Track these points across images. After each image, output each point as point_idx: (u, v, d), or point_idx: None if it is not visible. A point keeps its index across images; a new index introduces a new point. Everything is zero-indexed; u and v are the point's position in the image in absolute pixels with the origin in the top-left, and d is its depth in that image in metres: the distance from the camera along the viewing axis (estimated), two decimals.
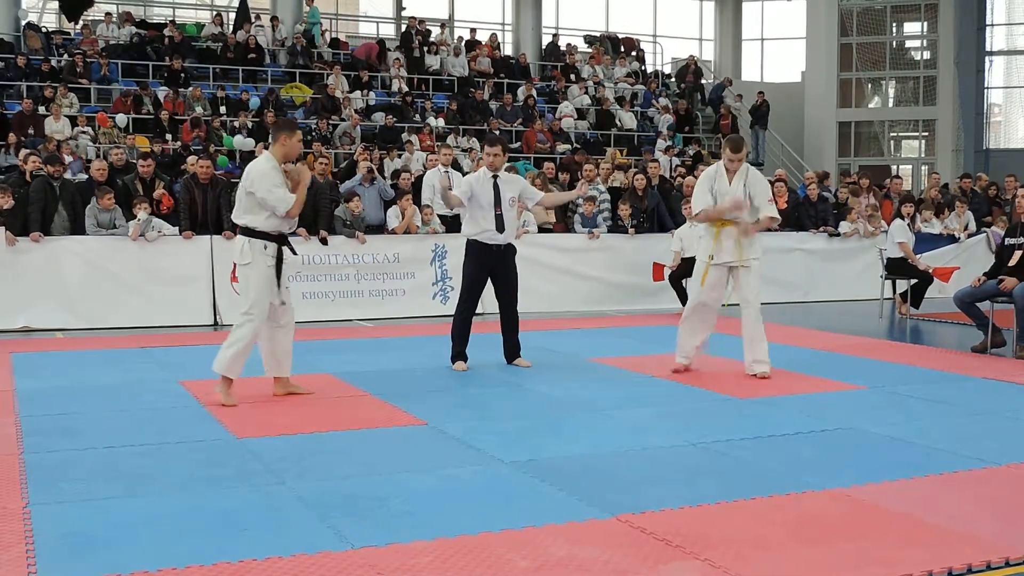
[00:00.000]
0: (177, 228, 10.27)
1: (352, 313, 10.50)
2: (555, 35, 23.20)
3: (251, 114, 16.44)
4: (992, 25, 24.63)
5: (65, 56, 17.39)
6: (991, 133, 25.15)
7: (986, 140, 24.64)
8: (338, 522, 3.84)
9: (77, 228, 9.98)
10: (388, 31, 23.37)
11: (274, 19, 19.78)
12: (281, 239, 6.17)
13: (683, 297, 10.64)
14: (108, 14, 19.35)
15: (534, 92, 19.48)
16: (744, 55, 27.38)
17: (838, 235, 12.72)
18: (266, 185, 5.99)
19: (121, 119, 15.65)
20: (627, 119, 19.83)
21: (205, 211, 10.34)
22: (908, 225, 11.16)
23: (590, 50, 22.74)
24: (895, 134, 25.39)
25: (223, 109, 16.77)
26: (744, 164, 7.20)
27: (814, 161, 22.28)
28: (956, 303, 8.47)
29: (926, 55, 24.49)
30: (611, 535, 3.72)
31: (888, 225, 11.83)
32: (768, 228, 7.41)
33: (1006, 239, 8.56)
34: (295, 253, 6.41)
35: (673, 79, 22.98)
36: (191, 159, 11.52)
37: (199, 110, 16.47)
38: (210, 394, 6.23)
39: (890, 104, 25.27)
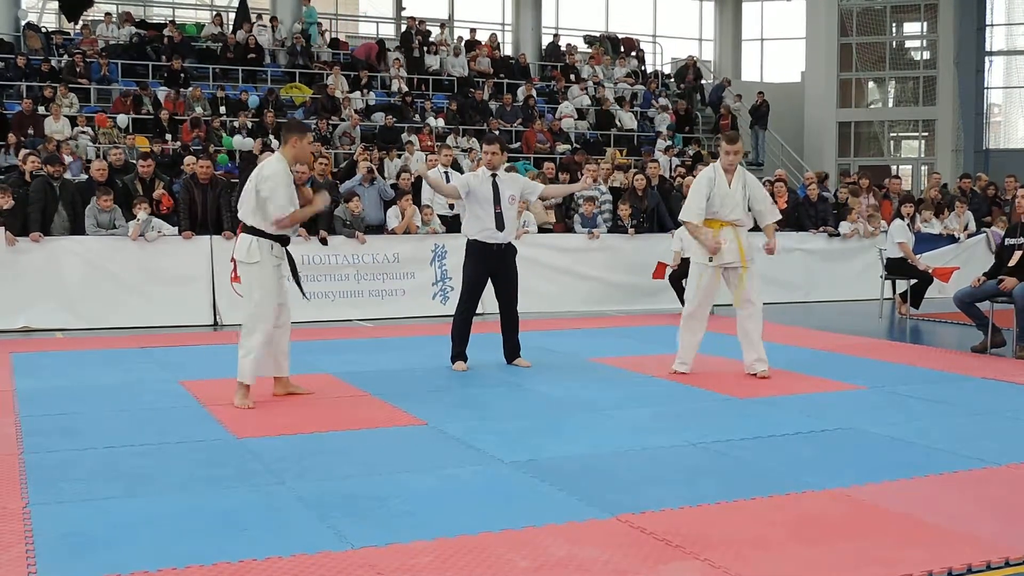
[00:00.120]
0: (176, 228, 10.27)
1: (352, 313, 10.50)
2: (556, 35, 23.20)
3: (250, 114, 16.44)
4: (992, 25, 24.63)
5: (65, 56, 17.39)
6: (991, 133, 25.15)
7: (986, 140, 24.65)
8: (338, 522, 3.84)
9: (77, 228, 9.98)
10: (388, 31, 23.37)
11: (273, 19, 19.78)
12: (284, 240, 6.17)
13: (683, 297, 10.65)
14: (108, 14, 19.35)
15: (534, 92, 19.48)
16: (744, 55, 27.38)
17: (838, 235, 12.73)
18: (271, 185, 5.98)
19: (122, 120, 15.64)
20: (627, 119, 19.83)
21: (205, 211, 10.34)
22: (908, 225, 11.16)
23: (590, 50, 22.73)
24: (895, 134, 25.40)
25: (223, 109, 16.77)
26: (739, 168, 7.18)
27: (814, 161, 22.28)
28: (956, 303, 8.47)
29: (926, 55, 24.50)
30: (611, 535, 3.72)
31: (888, 225, 11.84)
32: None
33: (1006, 239, 8.56)
34: (304, 295, 6.44)
35: (673, 79, 22.97)
36: (188, 159, 11.51)
37: (199, 110, 16.47)
38: (210, 394, 6.24)
39: (890, 104, 25.27)
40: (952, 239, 12.62)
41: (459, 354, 7.44)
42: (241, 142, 15.56)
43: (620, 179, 12.93)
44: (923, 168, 24.34)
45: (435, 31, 21.21)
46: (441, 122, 17.80)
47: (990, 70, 24.64)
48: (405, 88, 18.70)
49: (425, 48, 20.17)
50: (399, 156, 15.14)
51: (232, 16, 20.34)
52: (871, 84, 25.24)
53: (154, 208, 10.42)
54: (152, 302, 9.90)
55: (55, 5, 19.92)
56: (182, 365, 7.55)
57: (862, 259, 12.61)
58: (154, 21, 20.15)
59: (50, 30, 19.07)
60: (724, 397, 6.39)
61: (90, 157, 13.60)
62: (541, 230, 11.63)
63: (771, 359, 7.18)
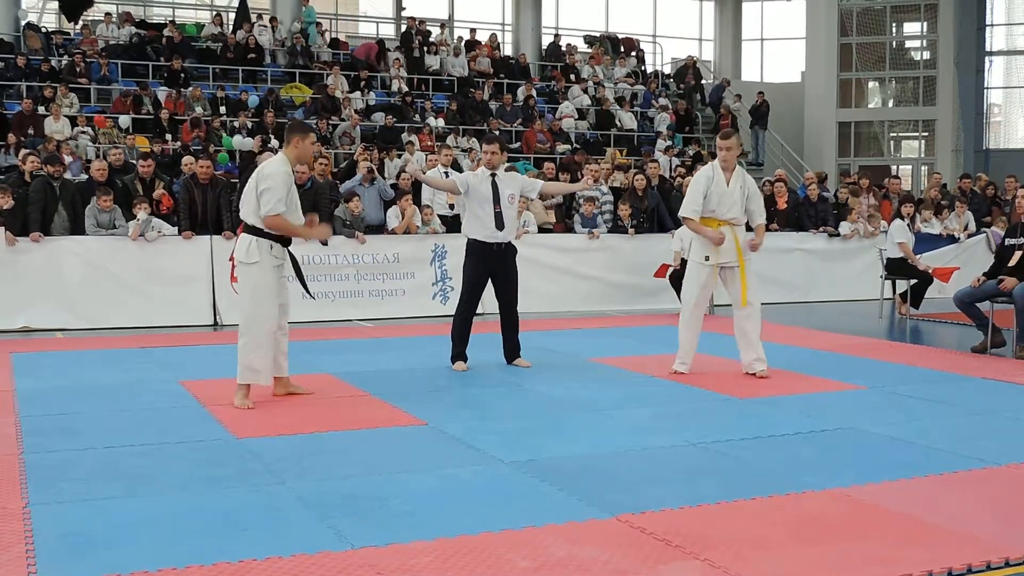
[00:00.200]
0: (176, 228, 10.27)
1: (352, 313, 10.50)
2: (557, 35, 23.20)
3: (250, 114, 16.44)
4: (992, 25, 24.64)
5: (65, 56, 17.39)
6: (991, 133, 25.16)
7: (986, 140, 24.65)
8: (338, 522, 3.84)
9: (77, 228, 9.98)
10: (388, 31, 23.38)
11: (273, 19, 19.79)
12: (286, 242, 6.14)
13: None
14: (108, 14, 19.35)
15: (534, 92, 19.48)
16: (744, 55, 27.39)
17: (838, 235, 12.72)
18: (268, 184, 5.97)
19: (124, 120, 15.64)
20: (627, 119, 19.83)
21: (205, 211, 10.34)
22: (908, 225, 11.17)
23: (590, 50, 22.74)
24: (895, 134, 25.40)
25: (223, 109, 16.77)
26: (738, 167, 7.19)
27: (814, 161, 22.29)
28: (956, 303, 8.47)
29: (926, 55, 24.50)
30: (611, 535, 3.72)
31: (888, 225, 11.84)
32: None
33: (1006, 239, 8.56)
34: (311, 295, 6.40)
35: (672, 79, 22.98)
36: (186, 159, 11.52)
37: (199, 110, 16.47)
38: (210, 394, 6.24)
39: (890, 104, 25.27)
40: (952, 239, 12.62)
41: (459, 354, 7.44)
42: (241, 142, 15.56)
43: (620, 179, 12.93)
44: (923, 168, 24.34)
45: (435, 31, 21.21)
46: (441, 122, 17.80)
47: (990, 70, 24.65)
48: (405, 88, 18.70)
49: (425, 48, 20.17)
50: (399, 156, 15.14)
51: (232, 16, 20.34)
52: (871, 84, 25.24)
53: (154, 208, 10.42)
54: (152, 302, 9.90)
55: (55, 5, 19.92)
56: (182, 365, 7.55)
57: (862, 259, 12.61)
58: (154, 21, 20.16)
59: (50, 30, 19.07)
60: (724, 397, 6.39)
61: (90, 157, 13.60)
62: (541, 230, 11.63)
63: (771, 359, 7.18)
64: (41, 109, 15.26)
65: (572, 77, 20.90)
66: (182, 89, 16.81)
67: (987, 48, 24.49)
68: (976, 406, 6.16)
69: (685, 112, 20.78)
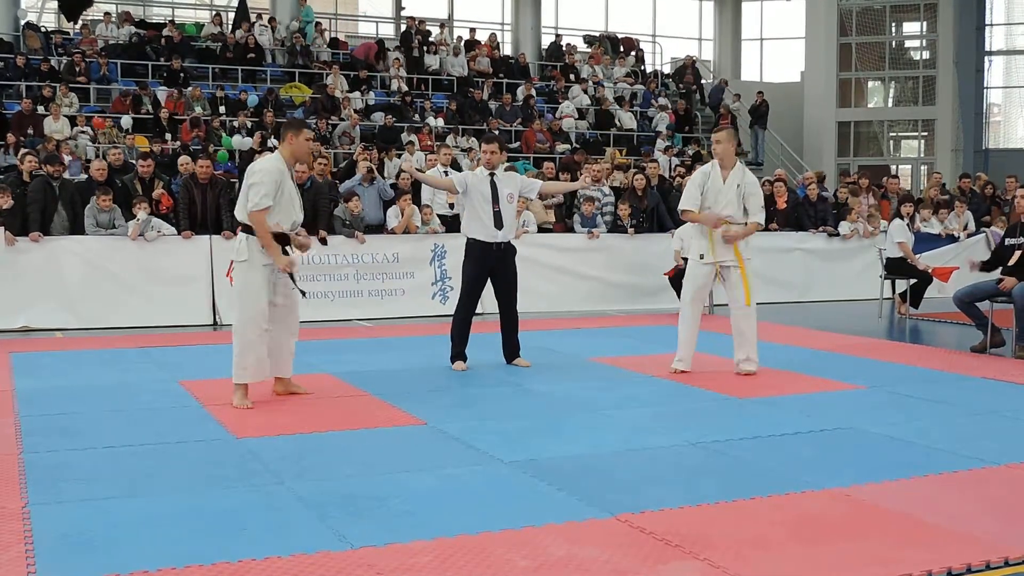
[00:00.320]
0: (175, 228, 10.26)
1: (351, 313, 10.50)
2: (558, 36, 23.20)
3: (249, 113, 16.43)
4: (991, 25, 24.65)
5: (64, 56, 17.38)
6: (990, 133, 25.17)
7: (985, 140, 24.66)
8: (337, 522, 3.84)
9: (76, 228, 9.97)
10: (387, 31, 23.38)
11: (272, 20, 19.79)
12: (282, 239, 6.12)
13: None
14: (107, 14, 19.34)
15: (533, 92, 19.48)
16: (743, 55, 27.39)
17: (837, 235, 12.72)
18: (254, 179, 5.95)
19: (126, 121, 15.63)
20: (626, 119, 19.83)
21: (204, 211, 10.34)
22: (907, 225, 11.17)
23: (589, 50, 22.74)
24: (894, 134, 25.41)
25: (222, 109, 16.76)
26: (740, 165, 7.18)
27: (813, 161, 22.29)
28: (955, 303, 8.47)
29: (925, 55, 24.51)
30: (611, 535, 3.72)
31: (887, 225, 11.84)
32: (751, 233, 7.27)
33: (1005, 239, 8.56)
34: (302, 292, 6.34)
35: (672, 79, 22.98)
36: (183, 159, 11.51)
37: (198, 110, 16.47)
38: (209, 394, 6.24)
39: (889, 104, 25.28)
40: (952, 239, 12.62)
41: (459, 354, 7.43)
42: (241, 142, 15.56)
43: (620, 179, 12.92)
44: (923, 168, 24.35)
45: (435, 31, 21.21)
46: (441, 122, 17.80)
47: (990, 70, 24.66)
48: (405, 88, 18.70)
49: (425, 48, 20.17)
50: (399, 156, 15.14)
51: (232, 16, 20.34)
52: (871, 84, 25.24)
53: (154, 208, 10.41)
54: (152, 302, 9.90)
55: (55, 5, 19.91)
56: (182, 365, 7.55)
57: (862, 259, 12.61)
58: (153, 21, 20.15)
59: (49, 30, 19.08)
60: (724, 397, 6.39)
61: (89, 157, 13.60)
62: (541, 230, 11.63)
63: (771, 359, 7.18)
64: (41, 109, 15.26)
65: (572, 77, 20.90)
66: (182, 89, 16.81)
67: (987, 48, 24.50)
68: (976, 406, 6.16)
69: (684, 112, 20.78)
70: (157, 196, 10.58)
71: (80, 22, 19.27)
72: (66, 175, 10.92)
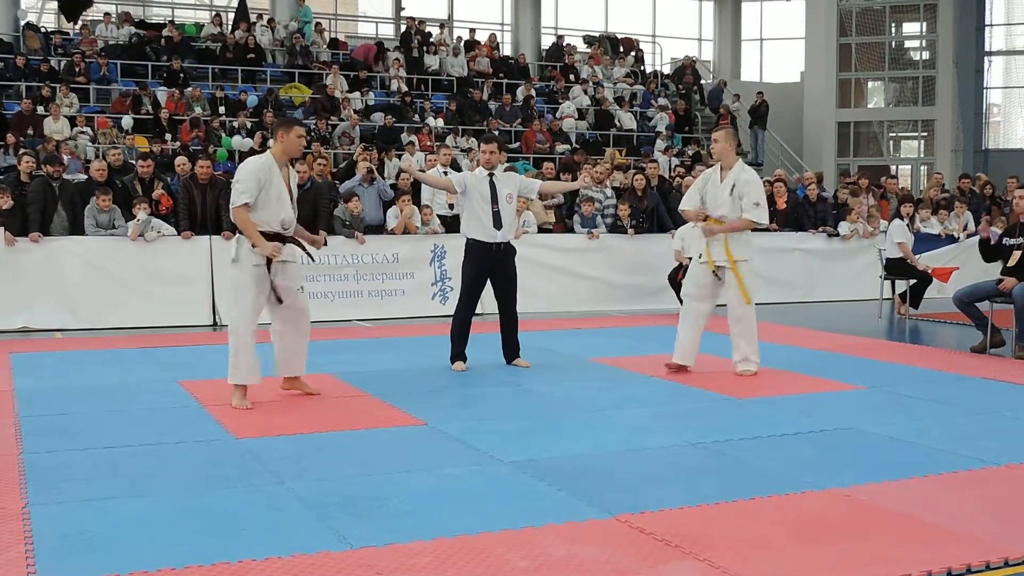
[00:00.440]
0: (175, 228, 10.26)
1: (351, 313, 10.49)
2: (560, 37, 23.21)
3: (249, 113, 16.43)
4: (991, 25, 24.66)
5: (64, 56, 17.38)
6: (990, 133, 25.18)
7: (985, 140, 24.67)
8: (337, 522, 3.84)
9: (76, 228, 9.97)
10: (387, 31, 23.38)
11: (271, 20, 19.79)
12: (278, 239, 6.08)
13: (680, 296, 10.67)
14: (107, 14, 19.35)
15: (533, 92, 19.48)
16: (743, 55, 27.39)
17: (837, 235, 12.72)
18: (238, 176, 5.96)
19: (127, 121, 15.64)
20: (626, 119, 19.83)
21: (204, 211, 10.34)
22: (907, 225, 11.17)
23: (589, 50, 22.74)
24: (894, 134, 25.41)
25: (222, 109, 16.76)
26: (739, 164, 7.18)
27: (813, 161, 22.30)
28: (955, 303, 8.47)
29: (925, 55, 24.51)
30: (611, 535, 3.72)
31: (887, 225, 11.84)
32: (745, 228, 7.15)
33: (1004, 238, 8.56)
34: (311, 258, 6.35)
35: (671, 79, 22.98)
36: (179, 160, 11.51)
37: (198, 110, 16.47)
38: (209, 394, 6.24)
39: (889, 104, 25.28)
40: (951, 239, 12.62)
41: (458, 354, 7.43)
42: (240, 142, 15.57)
43: (619, 179, 12.93)
44: (922, 168, 24.35)
45: (435, 31, 21.21)
46: (440, 122, 17.80)
47: (989, 70, 24.67)
48: (404, 88, 18.70)
49: (424, 48, 20.17)
50: (399, 156, 15.14)
51: (231, 16, 20.35)
52: (870, 84, 25.24)
53: (153, 208, 10.41)
54: (151, 302, 9.90)
55: (54, 5, 19.91)
56: (181, 365, 7.55)
57: (861, 259, 12.61)
58: (153, 21, 20.16)
59: (49, 30, 19.08)
60: (724, 397, 6.38)
61: (89, 157, 13.60)
62: (541, 230, 11.63)
63: (771, 359, 7.18)
64: (40, 109, 15.26)
65: (571, 77, 20.90)
66: (182, 89, 16.81)
67: (986, 48, 24.51)
68: (976, 406, 6.16)
69: (684, 112, 20.78)
70: (157, 196, 10.58)
71: (80, 22, 19.27)
72: (66, 175, 10.92)
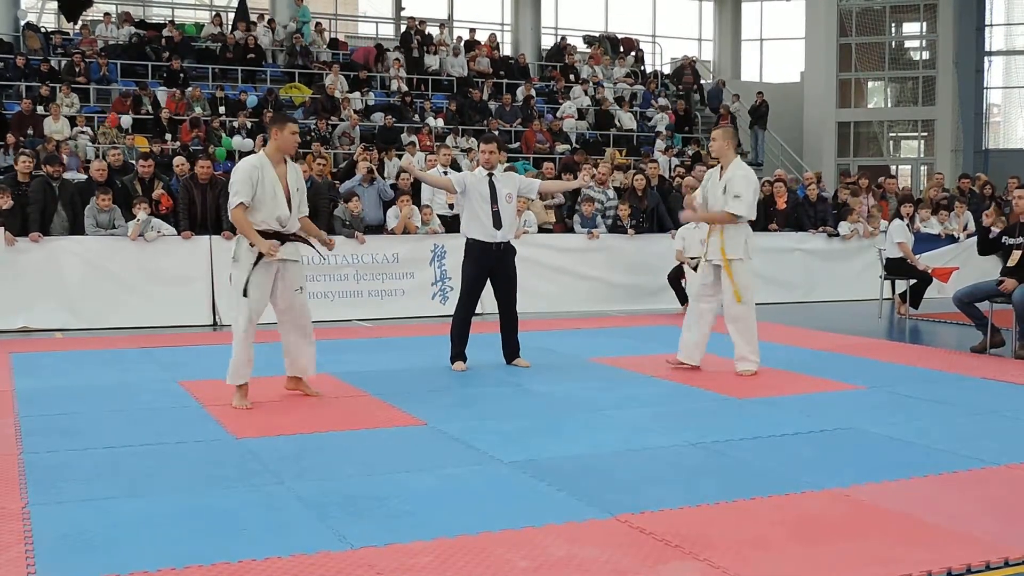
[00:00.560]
0: (175, 228, 10.26)
1: (351, 313, 10.49)
2: (563, 38, 23.20)
3: (249, 113, 16.43)
4: (991, 25, 24.65)
5: (64, 56, 17.38)
6: (990, 133, 25.17)
7: (985, 140, 24.66)
8: (337, 522, 3.84)
9: (76, 228, 9.97)
10: (387, 31, 23.38)
11: (271, 21, 19.79)
12: (276, 238, 6.05)
13: (681, 297, 10.68)
14: (107, 14, 19.34)
15: (533, 92, 19.48)
16: (743, 55, 27.39)
17: (837, 235, 12.72)
18: (233, 177, 5.97)
19: (126, 120, 15.64)
20: (626, 119, 19.83)
21: (204, 211, 10.34)
22: (907, 225, 11.17)
23: (589, 50, 22.74)
24: (894, 134, 25.41)
25: (222, 109, 16.76)
26: (736, 161, 7.17)
27: (813, 161, 22.29)
28: (955, 303, 8.47)
29: (925, 55, 24.50)
30: (611, 535, 3.72)
31: (887, 225, 11.83)
32: (724, 221, 7.09)
33: (1004, 237, 8.56)
34: (321, 255, 6.34)
35: (671, 80, 22.98)
36: (177, 160, 11.51)
37: (198, 110, 16.47)
38: (209, 394, 6.24)
39: (889, 104, 25.28)
40: (951, 239, 12.61)
41: (458, 354, 7.43)
42: (240, 142, 15.57)
43: (620, 179, 12.93)
44: (923, 168, 24.35)
45: (435, 31, 21.21)
46: (440, 122, 17.80)
47: (989, 70, 24.66)
48: (404, 88, 18.70)
49: (424, 48, 20.17)
50: (399, 156, 15.14)
51: (231, 16, 20.35)
52: (870, 84, 25.24)
53: (153, 208, 10.41)
54: (152, 302, 9.90)
55: (55, 5, 19.91)
56: (181, 365, 7.55)
57: (861, 259, 12.61)
58: (153, 21, 20.15)
59: (49, 30, 19.07)
60: (724, 397, 6.38)
61: (89, 157, 13.59)
62: (541, 230, 11.63)
63: (771, 359, 7.18)
64: (40, 109, 15.26)
65: (571, 77, 20.90)
66: (182, 89, 16.81)
67: (986, 48, 24.50)
68: (976, 406, 6.16)
69: (684, 112, 20.78)
70: (157, 196, 10.58)
71: (80, 22, 19.27)
72: (66, 175, 10.91)
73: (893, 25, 24.75)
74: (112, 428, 5.47)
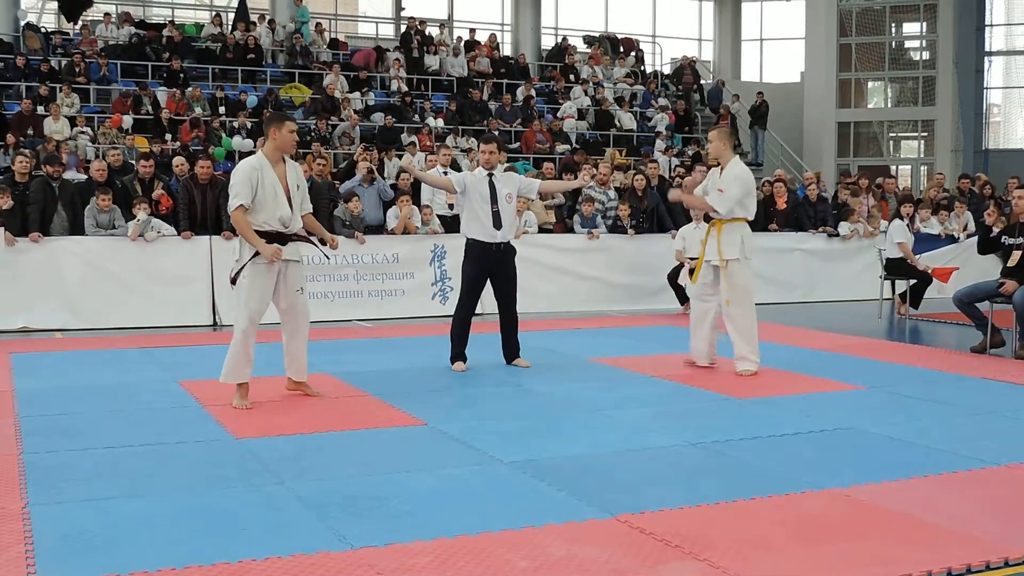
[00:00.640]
0: (175, 228, 10.26)
1: (351, 313, 10.49)
2: (563, 38, 23.19)
3: (249, 114, 16.42)
4: (991, 25, 24.65)
5: (64, 56, 17.38)
6: (990, 133, 25.17)
7: (985, 140, 24.66)
8: (337, 522, 3.84)
9: (76, 228, 9.98)
10: (387, 31, 23.37)
11: (271, 22, 19.79)
12: (279, 239, 6.07)
13: (681, 297, 10.68)
14: (107, 14, 19.34)
15: (533, 92, 19.48)
16: (743, 55, 27.39)
17: (837, 235, 12.72)
18: (232, 179, 5.97)
19: (126, 121, 15.64)
20: (626, 119, 19.83)
21: (204, 211, 10.34)
22: (907, 225, 11.17)
23: (589, 50, 22.74)
24: (894, 134, 25.41)
25: (222, 109, 16.76)
26: (733, 160, 7.17)
27: (813, 161, 22.29)
28: (955, 303, 8.47)
29: (925, 55, 24.51)
30: (611, 535, 3.72)
31: (887, 225, 11.83)
32: (704, 208, 7.33)
33: (1004, 237, 8.56)
34: (325, 255, 6.33)
35: (671, 80, 22.98)
36: (177, 160, 11.50)
37: (198, 110, 16.47)
38: (209, 394, 6.24)
39: (889, 104, 25.28)
40: (951, 239, 12.61)
41: (458, 354, 7.43)
42: (240, 143, 15.57)
43: (620, 179, 12.93)
44: (923, 168, 24.35)
45: (435, 31, 21.21)
46: (440, 122, 17.80)
47: (989, 70, 24.66)
48: (404, 88, 18.70)
49: (424, 48, 20.17)
50: (399, 156, 15.13)
51: (231, 16, 20.35)
52: (870, 84, 25.25)
53: (153, 208, 10.41)
54: (151, 302, 9.90)
55: (55, 5, 19.91)
56: (181, 365, 7.55)
57: (861, 259, 12.61)
58: (153, 21, 20.15)
59: (49, 30, 19.07)
60: (724, 397, 6.39)
61: (89, 157, 13.59)
62: (541, 230, 11.63)
63: (771, 359, 7.18)
64: (40, 109, 15.26)
65: (572, 77, 20.90)
66: (182, 89, 16.81)
67: (986, 48, 24.50)
68: (976, 406, 6.16)
69: (684, 112, 20.78)
70: (157, 197, 10.58)
71: (80, 23, 19.27)
72: (65, 175, 10.91)
73: (893, 25, 24.75)
74: (112, 428, 5.47)
